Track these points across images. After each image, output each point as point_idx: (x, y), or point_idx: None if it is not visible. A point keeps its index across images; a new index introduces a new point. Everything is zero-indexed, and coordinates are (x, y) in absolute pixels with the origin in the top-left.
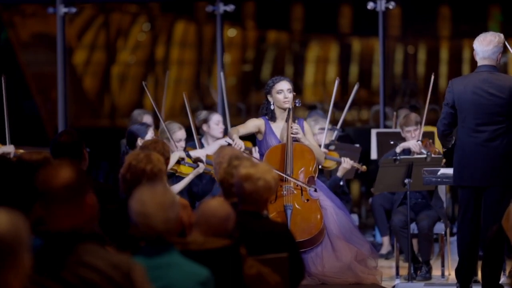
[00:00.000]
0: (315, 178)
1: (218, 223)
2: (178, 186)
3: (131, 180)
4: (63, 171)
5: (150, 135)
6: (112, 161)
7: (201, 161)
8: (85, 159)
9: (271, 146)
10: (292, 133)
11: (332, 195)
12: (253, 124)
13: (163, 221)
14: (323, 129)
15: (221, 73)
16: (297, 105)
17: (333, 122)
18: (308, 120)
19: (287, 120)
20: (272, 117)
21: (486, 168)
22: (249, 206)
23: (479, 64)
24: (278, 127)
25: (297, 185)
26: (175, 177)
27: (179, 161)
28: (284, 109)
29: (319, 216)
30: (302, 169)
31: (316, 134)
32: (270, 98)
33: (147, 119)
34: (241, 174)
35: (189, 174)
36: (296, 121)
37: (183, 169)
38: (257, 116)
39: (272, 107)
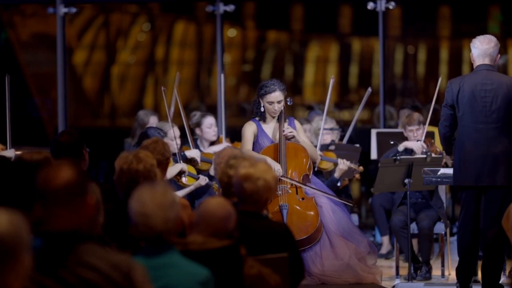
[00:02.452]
0: (310, 176)
1: (218, 222)
2: (178, 195)
3: (127, 182)
4: (63, 171)
5: None
6: (112, 161)
7: (197, 163)
8: (85, 159)
9: (264, 147)
10: (286, 135)
11: (328, 191)
12: (251, 133)
13: (162, 221)
14: (329, 129)
15: (221, 75)
16: (288, 103)
17: (335, 122)
18: (316, 120)
19: (278, 120)
20: (262, 118)
21: (486, 167)
22: (249, 206)
23: (478, 63)
24: (269, 127)
25: (291, 184)
26: (176, 184)
27: (180, 174)
28: (273, 117)
29: (315, 214)
30: (296, 167)
31: (324, 134)
32: (261, 101)
33: (153, 120)
34: (241, 174)
35: (190, 186)
36: (287, 120)
37: (185, 180)
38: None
39: (262, 109)
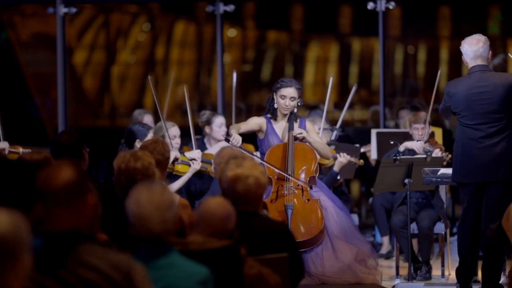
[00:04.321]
0: (316, 178)
1: (218, 222)
2: (176, 185)
3: (126, 181)
4: (63, 171)
5: (149, 138)
6: (112, 161)
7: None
8: (85, 159)
9: (272, 145)
10: (295, 136)
11: (332, 195)
12: (255, 122)
13: (160, 222)
14: (328, 129)
15: (234, 73)
16: (299, 104)
17: (333, 122)
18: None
19: (289, 121)
20: (273, 115)
21: (485, 165)
22: (245, 206)
23: (471, 65)
24: (279, 126)
25: (298, 185)
26: (172, 176)
27: (174, 162)
28: (283, 114)
29: (319, 216)
30: (303, 169)
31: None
32: (275, 97)
33: (148, 118)
34: (229, 177)
35: (186, 173)
36: (298, 120)
37: (179, 168)
38: (258, 115)
39: (275, 106)
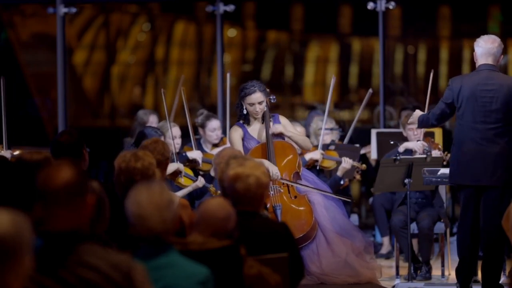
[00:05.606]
0: (301, 173)
1: (218, 223)
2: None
3: (126, 181)
4: (63, 171)
5: None
6: (112, 161)
7: (198, 164)
8: (85, 159)
9: (251, 149)
10: (274, 132)
11: (322, 186)
12: (238, 137)
13: (160, 222)
14: (329, 129)
15: (228, 74)
16: (272, 101)
17: (335, 122)
18: (316, 120)
19: (263, 121)
20: (246, 120)
21: (484, 167)
22: (245, 206)
23: (480, 62)
24: (255, 129)
25: (283, 184)
26: (173, 185)
27: (176, 174)
28: (255, 118)
29: (309, 212)
30: (286, 166)
31: (324, 134)
32: (243, 104)
33: (153, 119)
34: (230, 175)
35: (188, 186)
36: (272, 118)
37: (181, 180)
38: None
39: (245, 111)
